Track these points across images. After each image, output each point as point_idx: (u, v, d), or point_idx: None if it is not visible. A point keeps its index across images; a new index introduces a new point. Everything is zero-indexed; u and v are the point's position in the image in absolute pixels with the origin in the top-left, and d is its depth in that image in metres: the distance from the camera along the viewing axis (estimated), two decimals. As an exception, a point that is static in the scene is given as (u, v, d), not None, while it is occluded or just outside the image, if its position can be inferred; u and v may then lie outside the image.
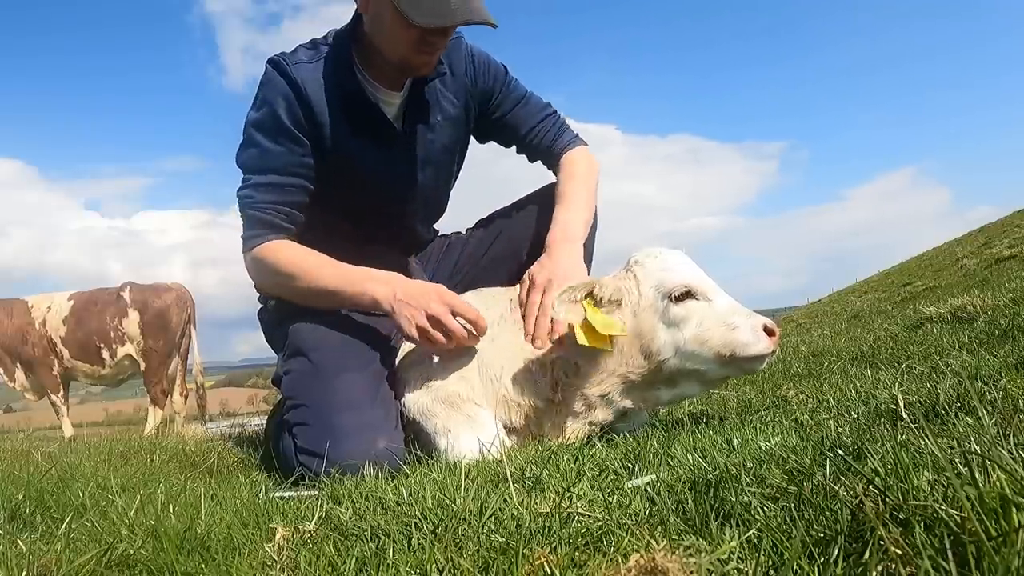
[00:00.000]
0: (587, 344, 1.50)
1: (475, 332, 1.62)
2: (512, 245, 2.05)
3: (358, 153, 1.84)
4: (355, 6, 1.79)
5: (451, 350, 1.64)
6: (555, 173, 2.01)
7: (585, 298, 1.55)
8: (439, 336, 1.60)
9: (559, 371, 1.60)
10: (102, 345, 6.47)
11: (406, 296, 1.64)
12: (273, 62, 1.77)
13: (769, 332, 1.49)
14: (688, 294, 1.52)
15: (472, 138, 2.08)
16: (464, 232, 2.20)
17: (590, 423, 1.59)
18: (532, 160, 2.08)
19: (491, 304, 1.74)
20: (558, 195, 1.91)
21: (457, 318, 1.61)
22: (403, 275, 1.74)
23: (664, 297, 1.52)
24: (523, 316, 1.64)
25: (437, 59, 1.80)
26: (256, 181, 1.78)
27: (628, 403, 1.59)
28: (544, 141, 2.02)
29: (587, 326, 1.50)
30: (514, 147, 2.08)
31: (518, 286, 1.76)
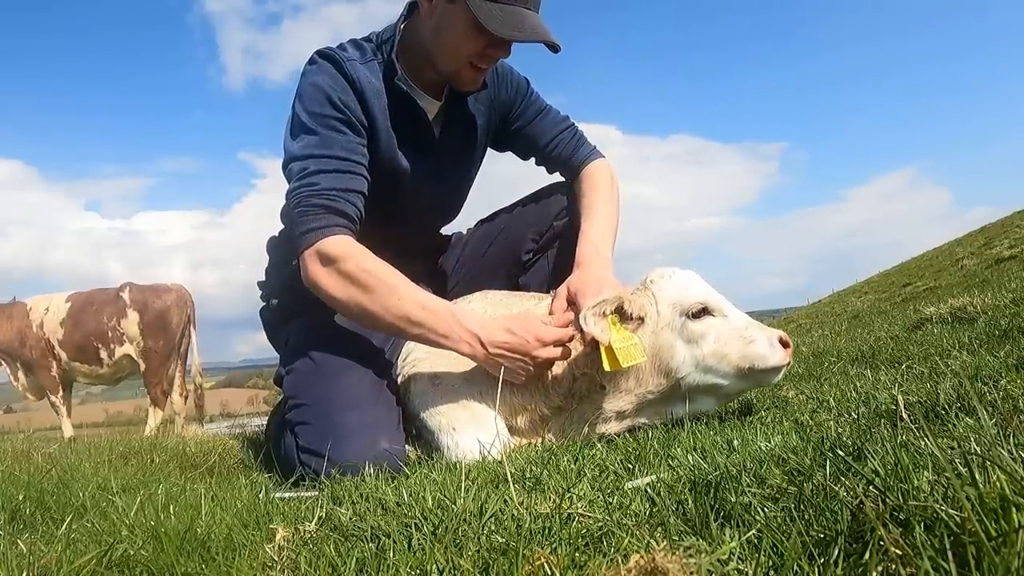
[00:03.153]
0: (609, 369, 1.51)
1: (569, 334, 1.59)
2: (512, 245, 2.06)
3: (401, 156, 1.83)
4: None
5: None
6: (574, 185, 2.02)
7: (613, 312, 1.54)
8: (557, 353, 1.57)
9: (578, 384, 1.60)
10: (100, 346, 6.47)
11: (500, 347, 1.55)
12: (325, 55, 1.74)
13: (784, 344, 1.54)
14: (705, 311, 1.55)
15: (490, 148, 2.09)
16: (465, 232, 2.21)
17: (599, 434, 1.60)
18: (551, 171, 2.10)
19: (500, 308, 1.74)
20: (583, 209, 1.92)
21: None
22: (440, 288, 1.71)
23: (682, 314, 1.55)
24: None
25: (484, 78, 1.81)
26: (317, 168, 1.63)
27: (642, 419, 1.61)
28: (563, 153, 2.03)
29: (610, 351, 1.50)
30: (533, 158, 2.09)
31: (523, 292, 1.76)
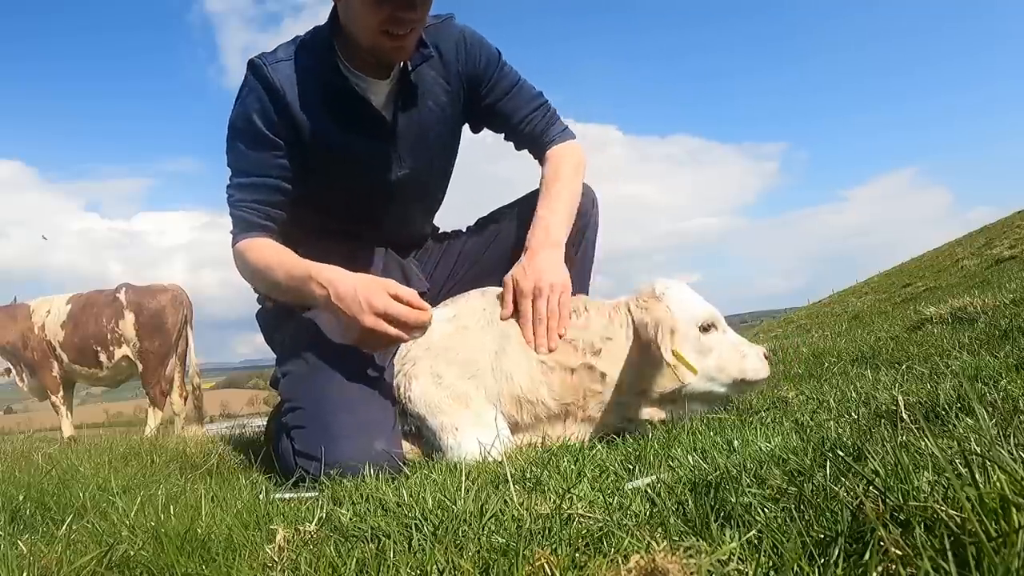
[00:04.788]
0: (686, 382, 1.61)
1: (421, 319, 1.59)
2: (512, 244, 2.05)
3: (348, 148, 1.82)
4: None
5: (403, 340, 1.61)
6: (541, 165, 1.99)
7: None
8: (389, 330, 1.56)
9: (585, 379, 1.64)
10: (99, 348, 6.46)
11: (342, 297, 1.60)
12: (252, 64, 1.77)
13: (767, 359, 1.72)
14: (712, 325, 1.68)
15: (468, 127, 2.06)
16: (465, 230, 2.20)
17: (597, 429, 1.64)
18: (519, 149, 2.06)
19: (499, 306, 1.75)
20: (542, 191, 1.90)
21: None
22: (362, 271, 1.71)
23: (696, 327, 1.66)
24: (519, 324, 1.67)
25: (411, 45, 1.76)
26: (236, 181, 1.83)
27: (642, 417, 1.66)
28: (534, 131, 2.00)
29: (678, 368, 1.59)
30: (503, 135, 2.06)
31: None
